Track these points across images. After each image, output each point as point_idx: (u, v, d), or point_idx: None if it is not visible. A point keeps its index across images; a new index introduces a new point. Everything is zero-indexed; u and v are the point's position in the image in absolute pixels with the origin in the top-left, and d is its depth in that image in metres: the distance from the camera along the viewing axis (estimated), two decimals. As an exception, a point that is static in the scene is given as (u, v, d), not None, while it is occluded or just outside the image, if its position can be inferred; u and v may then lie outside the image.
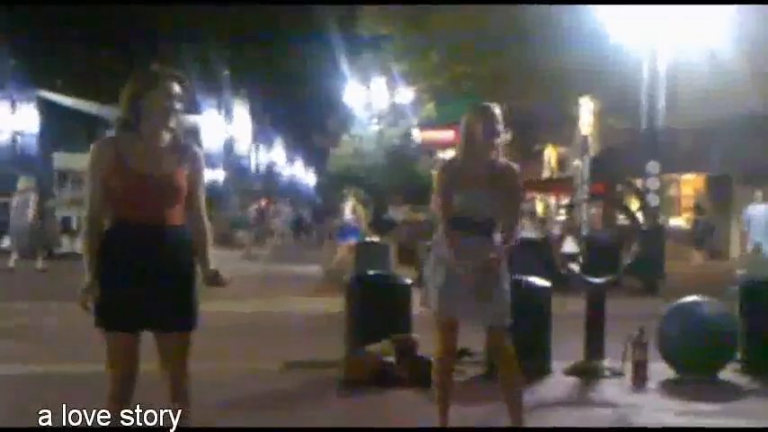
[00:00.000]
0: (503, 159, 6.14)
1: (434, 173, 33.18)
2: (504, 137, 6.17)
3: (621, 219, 10.67)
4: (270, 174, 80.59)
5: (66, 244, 25.45)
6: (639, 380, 8.57)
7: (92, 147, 4.89)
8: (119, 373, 4.84)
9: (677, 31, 18.35)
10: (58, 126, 37.55)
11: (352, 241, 18.97)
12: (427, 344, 8.83)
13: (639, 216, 10.55)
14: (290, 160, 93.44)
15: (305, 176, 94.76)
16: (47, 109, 37.69)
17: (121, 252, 4.78)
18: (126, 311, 4.76)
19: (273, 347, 10.37)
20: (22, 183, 22.86)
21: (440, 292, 5.99)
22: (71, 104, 36.16)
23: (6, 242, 24.18)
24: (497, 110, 6.11)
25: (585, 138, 26.29)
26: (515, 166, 6.26)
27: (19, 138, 37.10)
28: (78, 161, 32.49)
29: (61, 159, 31.46)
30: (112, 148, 4.83)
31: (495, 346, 6.18)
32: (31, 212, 21.99)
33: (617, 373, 8.86)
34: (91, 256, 4.80)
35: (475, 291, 5.89)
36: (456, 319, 6.09)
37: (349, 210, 19.65)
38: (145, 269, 4.77)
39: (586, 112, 28.77)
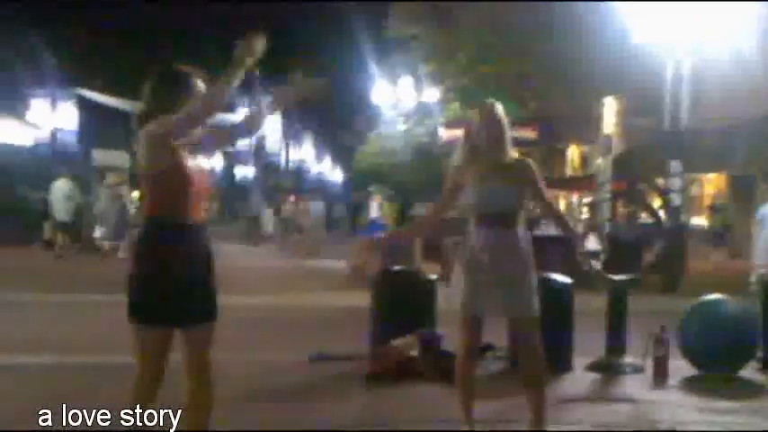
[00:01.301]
0: (514, 154, 6.10)
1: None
2: (509, 132, 6.08)
3: (644, 217, 10.58)
4: (299, 171, 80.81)
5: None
6: (660, 377, 8.51)
7: (151, 128, 4.76)
8: (152, 370, 4.83)
9: (701, 30, 18.19)
10: (97, 124, 37.78)
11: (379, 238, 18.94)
12: (452, 339, 8.83)
13: (662, 215, 10.48)
14: (319, 158, 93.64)
15: (332, 174, 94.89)
16: (86, 107, 37.86)
17: (174, 251, 4.75)
18: (168, 307, 4.76)
19: (299, 341, 10.37)
20: (114, 178, 23.56)
21: (464, 289, 5.93)
22: (109, 103, 36.31)
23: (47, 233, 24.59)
24: (498, 106, 6.07)
25: (609, 137, 26.14)
26: (528, 159, 6.23)
27: (59, 135, 37.28)
28: (116, 158, 32.80)
29: (100, 156, 31.66)
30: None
31: (520, 338, 6.09)
32: (126, 204, 23.20)
33: (638, 370, 8.81)
34: None
35: (497, 284, 5.85)
36: (479, 316, 6.01)
37: (376, 206, 19.56)
38: (193, 267, 4.80)
39: (610, 112, 28.62)
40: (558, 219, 6.62)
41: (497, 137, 6.01)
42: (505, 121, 6.06)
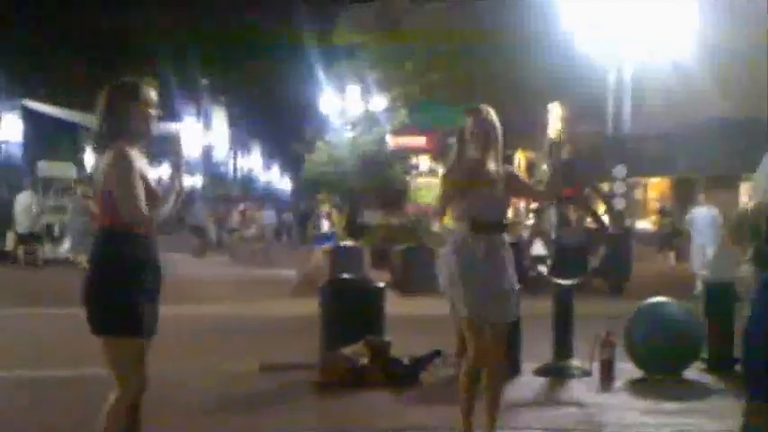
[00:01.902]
0: (501, 163, 6.06)
1: (408, 178, 33.23)
2: (501, 137, 6.01)
3: (589, 222, 10.63)
4: (247, 180, 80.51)
5: (48, 249, 25.48)
6: (607, 379, 8.56)
7: (125, 153, 4.74)
8: (142, 380, 4.83)
9: (641, 40, 18.39)
10: (42, 135, 37.42)
11: (328, 246, 18.84)
12: (400, 346, 8.85)
13: (606, 219, 10.56)
14: (267, 166, 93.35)
15: (281, 182, 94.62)
16: (31, 118, 37.51)
17: (147, 264, 4.82)
18: (150, 318, 4.82)
19: (250, 350, 10.32)
20: (83, 188, 23.48)
21: (471, 298, 5.82)
22: (54, 113, 35.94)
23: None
24: (489, 113, 6.01)
25: (554, 143, 26.33)
26: (511, 167, 6.25)
27: (3, 147, 36.87)
28: (61, 169, 32.44)
29: (45, 168, 31.33)
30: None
31: (498, 340, 6.01)
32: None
33: (585, 373, 8.85)
34: None
35: (499, 290, 5.87)
36: (485, 321, 5.92)
37: (324, 215, 19.46)
38: (157, 277, 4.88)
39: (555, 118, 28.84)
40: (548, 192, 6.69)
41: (489, 141, 5.95)
42: (497, 126, 6.00)
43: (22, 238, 22.99)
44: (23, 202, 22.94)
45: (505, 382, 6.22)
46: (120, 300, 4.72)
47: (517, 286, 6.06)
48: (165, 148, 5.22)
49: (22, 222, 22.79)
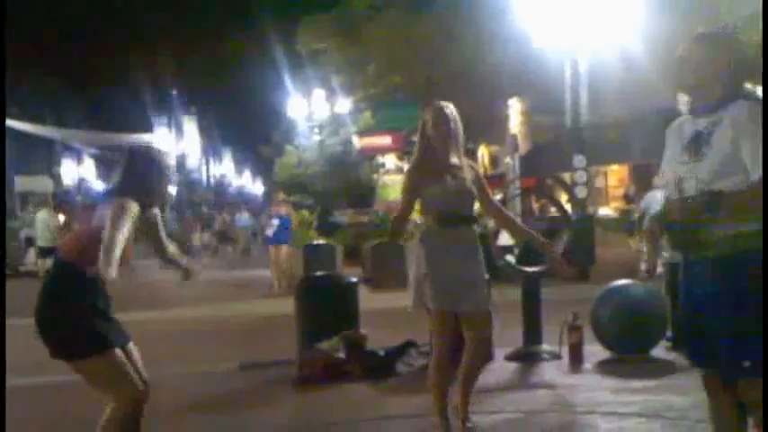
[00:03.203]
0: (463, 157, 6.04)
1: (375, 177, 33.21)
2: (461, 131, 5.99)
3: (552, 211, 10.66)
4: (220, 185, 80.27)
5: (30, 262, 25.57)
6: (576, 361, 8.58)
7: (127, 208, 4.82)
8: (134, 389, 4.82)
9: (595, 34, 18.46)
10: (17, 150, 37.19)
11: (285, 247, 18.62)
12: (374, 339, 8.83)
13: (568, 208, 10.57)
14: (239, 172, 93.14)
15: (253, 186, 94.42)
16: (6, 134, 37.22)
17: (99, 295, 4.88)
18: (112, 330, 4.86)
19: (229, 350, 10.28)
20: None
21: (437, 289, 5.79)
22: (29, 130, 35.68)
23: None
24: (453, 110, 5.98)
25: (515, 136, 26.38)
26: (473, 162, 6.22)
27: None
28: (38, 183, 32.31)
29: (21, 182, 31.19)
30: None
31: (480, 328, 5.97)
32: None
33: (555, 356, 8.86)
34: None
35: (465, 281, 5.83)
36: (453, 313, 5.88)
37: (275, 215, 19.04)
38: (108, 302, 4.96)
39: (515, 112, 28.91)
40: (506, 220, 6.46)
41: (450, 135, 5.92)
42: (457, 120, 5.96)
43: (43, 253, 23.19)
44: (43, 218, 23.28)
45: (479, 371, 6.20)
46: (79, 325, 4.73)
47: (487, 277, 6.05)
48: None
49: (43, 237, 22.97)
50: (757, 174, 3.85)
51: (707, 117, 4.09)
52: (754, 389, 3.94)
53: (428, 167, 5.91)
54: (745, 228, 3.94)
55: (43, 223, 23.51)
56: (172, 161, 5.22)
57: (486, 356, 6.13)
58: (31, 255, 25.45)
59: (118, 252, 4.67)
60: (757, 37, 6.50)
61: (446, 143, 5.91)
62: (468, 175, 5.95)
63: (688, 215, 3.99)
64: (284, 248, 18.47)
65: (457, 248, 5.85)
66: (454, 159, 5.92)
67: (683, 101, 4.43)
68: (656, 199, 15.87)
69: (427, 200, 5.89)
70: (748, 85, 4.36)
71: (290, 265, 18.22)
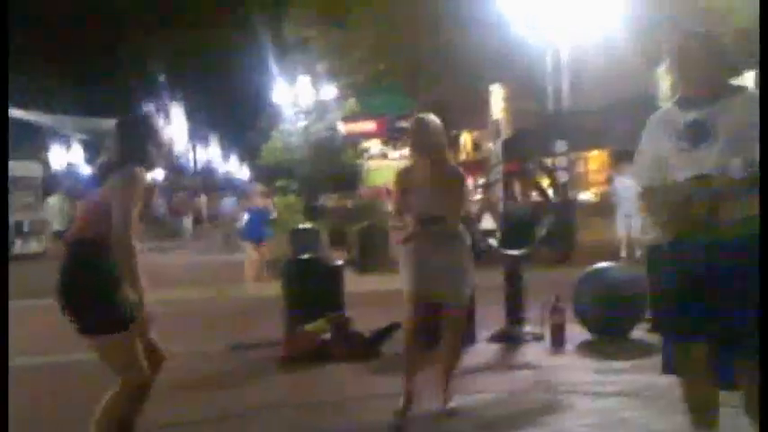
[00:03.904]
0: (450, 163, 6.33)
1: (360, 162, 33.24)
2: (444, 140, 6.32)
3: (534, 195, 10.65)
4: (207, 171, 79.99)
5: (18, 246, 25.58)
6: (557, 343, 8.60)
7: (137, 177, 4.80)
8: (143, 375, 4.87)
9: (576, 21, 18.45)
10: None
11: (266, 242, 17.38)
12: (359, 321, 8.84)
13: (550, 192, 10.58)
14: (225, 157, 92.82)
15: (240, 172, 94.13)
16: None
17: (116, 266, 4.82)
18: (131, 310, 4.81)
19: (221, 330, 10.31)
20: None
21: (411, 276, 6.11)
22: (16, 115, 35.43)
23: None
24: (433, 120, 6.26)
25: (497, 122, 26.38)
26: (460, 170, 6.41)
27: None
28: (26, 168, 32.12)
29: (11, 167, 31.02)
30: None
31: (449, 320, 6.20)
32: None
33: (537, 338, 8.89)
34: None
35: (440, 271, 6.05)
36: (422, 297, 6.13)
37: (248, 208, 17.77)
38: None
39: (497, 98, 28.91)
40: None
41: (428, 145, 6.20)
42: (438, 129, 6.25)
43: (57, 235, 23.43)
44: (54, 203, 23.60)
45: (459, 360, 6.41)
46: (106, 301, 4.70)
47: (468, 274, 6.22)
48: None
49: (58, 222, 23.15)
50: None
51: (704, 107, 4.25)
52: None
53: (411, 173, 6.28)
54: (755, 211, 4.07)
55: (55, 208, 23.90)
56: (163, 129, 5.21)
57: (455, 350, 6.30)
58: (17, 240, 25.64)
59: (132, 220, 4.69)
60: (738, 25, 6.56)
61: (424, 154, 6.21)
62: (449, 179, 6.18)
63: (713, 198, 4.12)
64: (262, 246, 17.20)
65: (435, 245, 6.11)
66: (434, 167, 6.16)
67: (667, 89, 4.52)
68: (624, 185, 15.92)
69: (408, 203, 6.21)
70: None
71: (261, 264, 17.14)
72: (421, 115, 6.42)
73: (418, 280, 6.08)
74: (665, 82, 4.61)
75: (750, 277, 4.07)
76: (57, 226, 23.43)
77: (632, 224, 15.70)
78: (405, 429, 5.97)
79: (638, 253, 10.78)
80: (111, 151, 4.95)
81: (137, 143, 4.95)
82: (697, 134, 4.22)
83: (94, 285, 4.74)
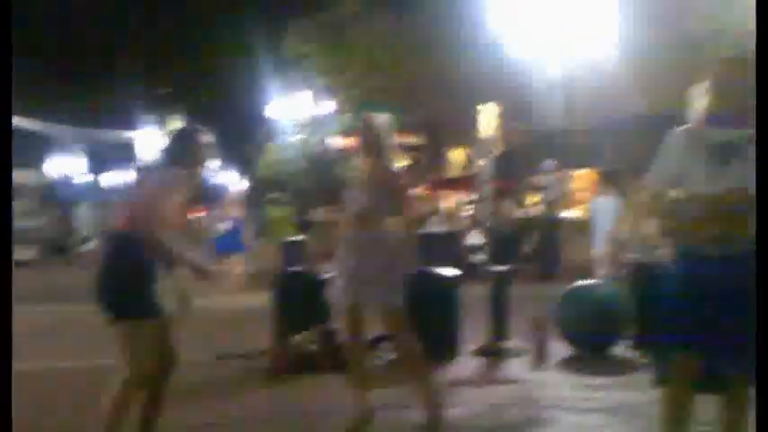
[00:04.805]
0: (386, 165, 6.08)
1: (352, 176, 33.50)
2: (390, 142, 6.11)
3: (522, 212, 10.64)
4: (206, 182, 79.98)
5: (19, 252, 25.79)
6: (540, 358, 8.56)
7: (176, 179, 5.30)
8: (151, 368, 5.16)
9: (567, 41, 18.47)
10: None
11: (237, 257, 16.76)
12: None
13: (538, 209, 10.58)
14: (224, 170, 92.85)
15: (238, 184, 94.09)
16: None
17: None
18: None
19: (208, 340, 10.24)
20: None
21: (341, 283, 6.02)
22: (20, 124, 35.46)
23: None
24: (376, 121, 6.14)
25: (489, 139, 26.37)
26: (393, 170, 6.13)
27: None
28: (24, 177, 32.15)
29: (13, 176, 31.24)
30: None
31: (391, 328, 6.07)
32: None
33: (520, 353, 8.86)
34: None
35: (367, 277, 5.89)
36: (357, 305, 6.02)
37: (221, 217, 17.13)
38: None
39: (489, 116, 28.90)
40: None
41: (370, 146, 6.08)
42: (382, 131, 6.08)
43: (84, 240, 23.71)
44: (83, 213, 23.92)
45: (423, 367, 6.12)
46: (139, 285, 5.03)
47: (397, 277, 5.96)
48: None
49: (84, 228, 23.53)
50: None
51: (734, 129, 4.40)
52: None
53: (358, 173, 6.20)
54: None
55: (84, 216, 24.35)
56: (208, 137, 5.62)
57: (410, 354, 5.98)
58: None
59: (172, 216, 5.07)
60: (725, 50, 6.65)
61: (363, 152, 6.15)
62: (384, 181, 6.00)
63: (745, 212, 4.26)
64: (237, 259, 16.48)
65: (365, 247, 5.92)
66: (375, 166, 6.04)
67: (696, 108, 4.63)
68: (606, 207, 15.81)
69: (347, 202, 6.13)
70: None
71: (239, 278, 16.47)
72: (366, 114, 6.30)
73: (350, 287, 5.95)
74: (698, 101, 4.66)
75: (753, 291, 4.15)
76: (85, 233, 23.66)
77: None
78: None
79: (623, 271, 10.71)
80: (156, 157, 5.41)
81: (181, 150, 5.41)
82: (728, 154, 4.36)
83: (130, 272, 5.04)
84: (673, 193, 4.49)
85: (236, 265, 16.71)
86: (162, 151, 5.53)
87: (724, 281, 4.28)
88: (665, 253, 4.65)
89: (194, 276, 5.34)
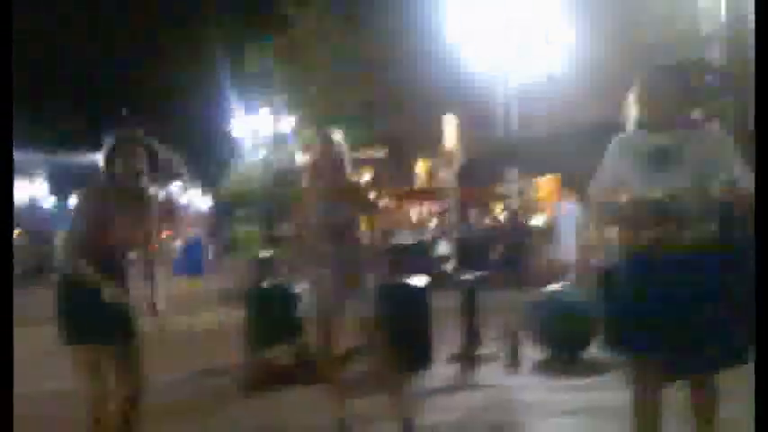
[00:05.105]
0: (348, 177, 6.10)
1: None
2: (347, 155, 6.11)
3: (488, 221, 10.71)
4: (169, 202, 79.48)
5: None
6: (513, 363, 8.60)
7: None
8: (95, 393, 5.06)
9: (524, 53, 18.63)
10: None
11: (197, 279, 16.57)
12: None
13: (503, 218, 10.64)
14: (186, 188, 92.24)
15: (203, 202, 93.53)
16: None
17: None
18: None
19: (182, 357, 10.17)
20: None
21: (312, 297, 6.05)
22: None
23: None
24: (332, 133, 6.15)
25: (450, 151, 26.47)
26: (357, 182, 6.22)
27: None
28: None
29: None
30: None
31: (364, 339, 6.06)
32: None
33: (493, 358, 8.88)
34: None
35: (337, 289, 5.89)
36: (328, 318, 6.02)
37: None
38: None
39: (450, 128, 29.03)
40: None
41: (332, 160, 6.01)
42: (341, 145, 6.08)
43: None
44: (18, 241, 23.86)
45: (397, 377, 6.17)
46: (65, 311, 5.02)
47: (368, 287, 5.97)
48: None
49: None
50: (745, 183, 4.21)
51: (668, 134, 4.42)
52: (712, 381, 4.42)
53: (315, 187, 6.10)
54: (715, 228, 4.32)
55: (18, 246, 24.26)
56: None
57: (381, 362, 5.99)
58: None
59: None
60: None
61: (329, 166, 6.01)
62: (349, 193, 6.02)
63: (682, 214, 4.29)
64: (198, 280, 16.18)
65: (331, 259, 5.91)
66: (337, 180, 5.99)
67: (630, 116, 4.67)
68: (569, 212, 15.93)
69: (309, 216, 6.06)
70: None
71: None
72: (323, 129, 6.33)
73: (319, 300, 5.99)
74: (631, 109, 4.66)
75: (713, 293, 4.26)
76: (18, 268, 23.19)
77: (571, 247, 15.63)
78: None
79: (592, 275, 10.78)
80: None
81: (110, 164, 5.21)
82: (662, 158, 4.39)
83: (74, 300, 5.03)
84: (616, 199, 4.53)
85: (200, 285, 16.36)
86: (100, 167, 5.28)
87: (669, 283, 4.32)
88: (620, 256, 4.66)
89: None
